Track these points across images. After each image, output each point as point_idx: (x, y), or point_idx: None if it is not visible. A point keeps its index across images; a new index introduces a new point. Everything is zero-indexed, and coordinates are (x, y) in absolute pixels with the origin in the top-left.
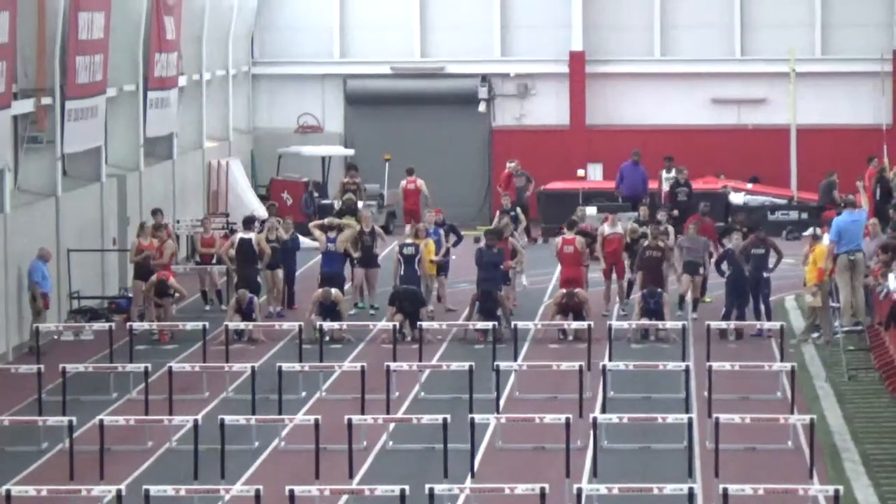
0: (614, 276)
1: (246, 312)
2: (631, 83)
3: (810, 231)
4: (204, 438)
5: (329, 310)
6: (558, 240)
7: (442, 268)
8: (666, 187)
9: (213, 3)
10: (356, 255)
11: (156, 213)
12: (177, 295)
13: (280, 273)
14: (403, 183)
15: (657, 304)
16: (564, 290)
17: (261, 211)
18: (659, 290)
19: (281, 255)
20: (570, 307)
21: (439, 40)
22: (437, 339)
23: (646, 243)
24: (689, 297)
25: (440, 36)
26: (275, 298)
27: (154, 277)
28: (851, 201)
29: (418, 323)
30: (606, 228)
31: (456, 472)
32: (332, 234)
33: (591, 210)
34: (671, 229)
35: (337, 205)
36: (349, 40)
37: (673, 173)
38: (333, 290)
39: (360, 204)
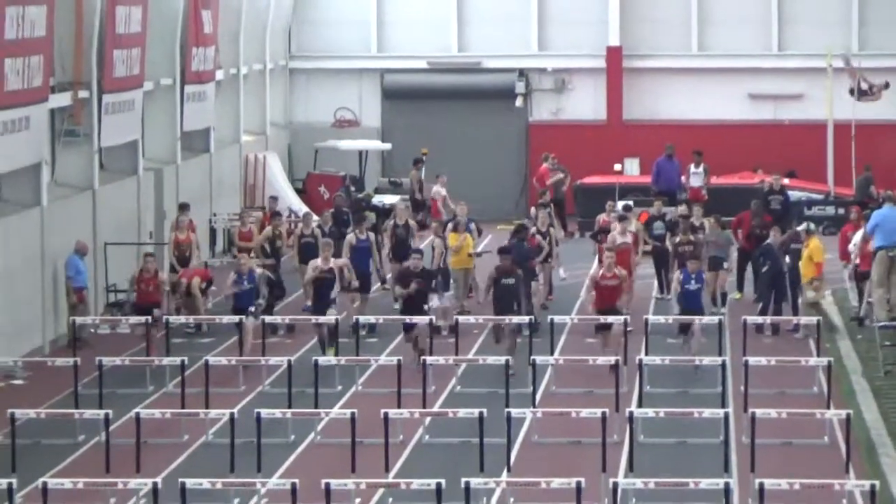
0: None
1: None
2: (668, 78)
3: (803, 226)
4: (240, 432)
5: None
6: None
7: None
8: (694, 182)
9: None
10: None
11: (184, 207)
12: (210, 287)
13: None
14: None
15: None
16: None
17: (298, 205)
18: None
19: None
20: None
21: (476, 35)
22: (473, 332)
23: (678, 239)
24: (718, 293)
25: (477, 30)
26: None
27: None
28: (891, 196)
29: (455, 317)
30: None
31: (492, 466)
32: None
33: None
34: (706, 223)
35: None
36: (386, 35)
37: (701, 168)
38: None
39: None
